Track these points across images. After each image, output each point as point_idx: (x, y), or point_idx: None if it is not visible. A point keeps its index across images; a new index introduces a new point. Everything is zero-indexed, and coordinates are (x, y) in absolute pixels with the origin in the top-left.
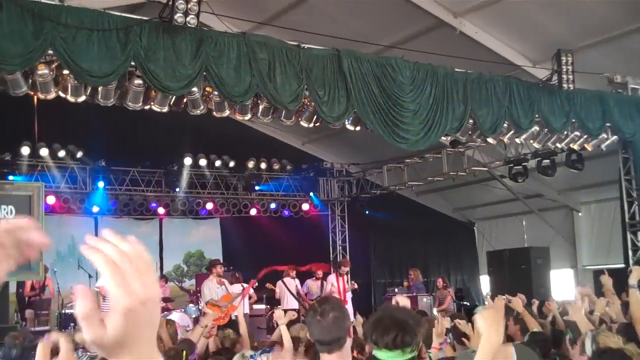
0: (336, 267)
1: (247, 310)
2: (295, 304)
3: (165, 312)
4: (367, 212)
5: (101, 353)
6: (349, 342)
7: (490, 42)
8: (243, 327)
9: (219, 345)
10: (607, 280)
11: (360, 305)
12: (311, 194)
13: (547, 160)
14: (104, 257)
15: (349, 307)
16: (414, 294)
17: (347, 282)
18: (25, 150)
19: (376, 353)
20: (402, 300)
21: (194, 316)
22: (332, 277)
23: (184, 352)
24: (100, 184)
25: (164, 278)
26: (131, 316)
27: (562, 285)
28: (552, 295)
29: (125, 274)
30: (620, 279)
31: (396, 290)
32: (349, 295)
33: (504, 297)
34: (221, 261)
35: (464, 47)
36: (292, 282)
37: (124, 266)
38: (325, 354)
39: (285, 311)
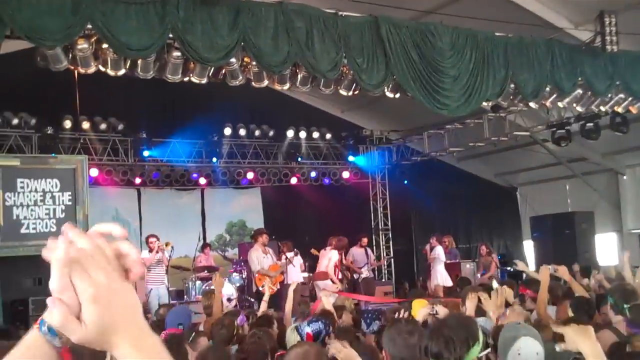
0: (340, 245)
1: (301, 279)
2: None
3: (209, 281)
4: (405, 182)
5: (98, 348)
6: None
7: (531, 4)
8: (290, 302)
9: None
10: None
11: (403, 271)
12: (350, 158)
13: (591, 124)
14: (61, 258)
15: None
16: (457, 260)
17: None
18: (67, 124)
19: None
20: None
21: (237, 285)
22: (335, 254)
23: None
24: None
25: (208, 246)
26: (101, 303)
27: (607, 249)
28: (598, 260)
29: (85, 268)
30: None
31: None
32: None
33: (549, 266)
34: (266, 230)
35: (504, 10)
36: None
37: (82, 262)
38: None
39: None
